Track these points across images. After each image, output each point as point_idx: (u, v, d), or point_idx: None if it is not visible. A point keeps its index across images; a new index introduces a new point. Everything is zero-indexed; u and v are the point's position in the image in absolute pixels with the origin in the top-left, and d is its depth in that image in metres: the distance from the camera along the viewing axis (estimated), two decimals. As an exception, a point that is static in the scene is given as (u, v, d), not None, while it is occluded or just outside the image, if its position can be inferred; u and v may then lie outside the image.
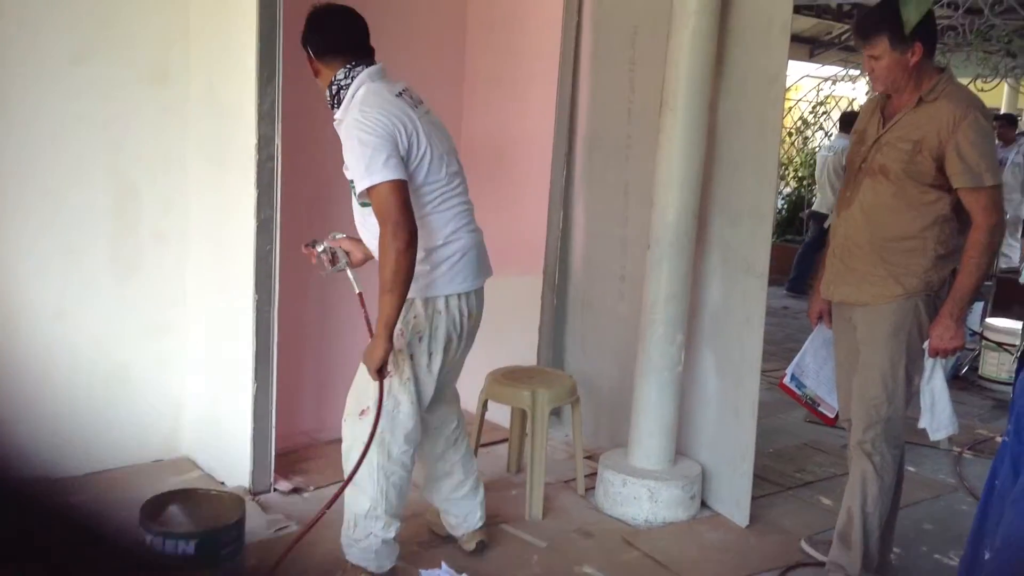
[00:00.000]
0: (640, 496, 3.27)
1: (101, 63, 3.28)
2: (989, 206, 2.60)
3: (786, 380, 3.14)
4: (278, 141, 3.18)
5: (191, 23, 3.44)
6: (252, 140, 3.14)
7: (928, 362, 2.72)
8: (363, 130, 2.49)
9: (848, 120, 9.70)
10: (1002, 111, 13.55)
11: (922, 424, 2.75)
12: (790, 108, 10.35)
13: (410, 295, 2.56)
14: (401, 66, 4.18)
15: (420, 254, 2.54)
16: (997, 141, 9.66)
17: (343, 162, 2.68)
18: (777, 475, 3.81)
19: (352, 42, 2.63)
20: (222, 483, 3.35)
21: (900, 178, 2.69)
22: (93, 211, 3.34)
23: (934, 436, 2.79)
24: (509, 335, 4.36)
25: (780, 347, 6.33)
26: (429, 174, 2.59)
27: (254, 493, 3.25)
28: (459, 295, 2.69)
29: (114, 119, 3.34)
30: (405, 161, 2.52)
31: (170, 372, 3.59)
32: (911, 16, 1.12)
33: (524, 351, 4.27)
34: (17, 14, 3.09)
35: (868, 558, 2.78)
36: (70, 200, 3.29)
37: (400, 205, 2.46)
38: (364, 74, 2.63)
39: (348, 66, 2.61)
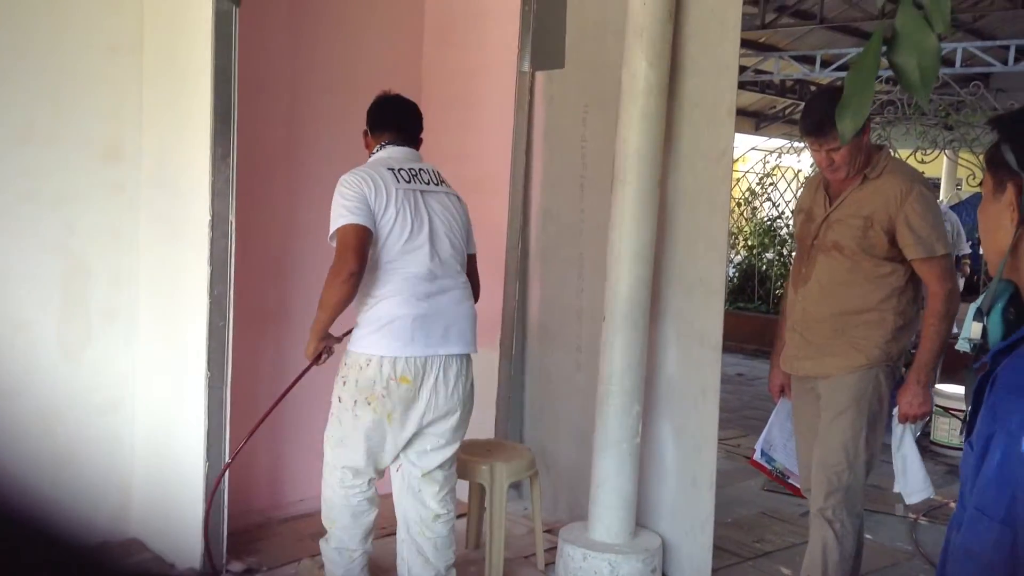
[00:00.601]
0: (601, 570, 3.23)
1: (52, 141, 3.27)
2: (943, 274, 2.72)
3: (756, 456, 3.16)
4: (232, 218, 3.18)
5: (144, 100, 3.45)
6: (206, 217, 3.14)
7: (897, 428, 2.78)
8: (340, 187, 2.84)
9: None
10: (942, 182, 14.07)
11: (897, 488, 2.81)
12: (738, 180, 10.62)
13: (349, 346, 2.87)
14: (355, 141, 4.25)
15: (358, 307, 2.86)
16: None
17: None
18: (736, 545, 3.81)
19: (392, 125, 3.03)
20: (172, 565, 3.26)
21: (855, 253, 2.78)
22: (42, 288, 3.29)
23: (909, 500, 2.85)
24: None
25: (736, 415, 6.38)
26: (388, 238, 2.82)
27: (205, 575, 3.17)
28: (384, 358, 2.81)
29: (65, 197, 3.31)
30: (373, 217, 2.79)
31: (118, 451, 3.51)
32: (847, 129, 1.17)
33: (482, 423, 4.24)
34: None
35: None
36: (18, 276, 3.24)
37: (354, 245, 2.73)
38: (385, 150, 2.98)
39: (383, 144, 3.01)
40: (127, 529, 3.53)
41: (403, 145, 3.01)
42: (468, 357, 3.02)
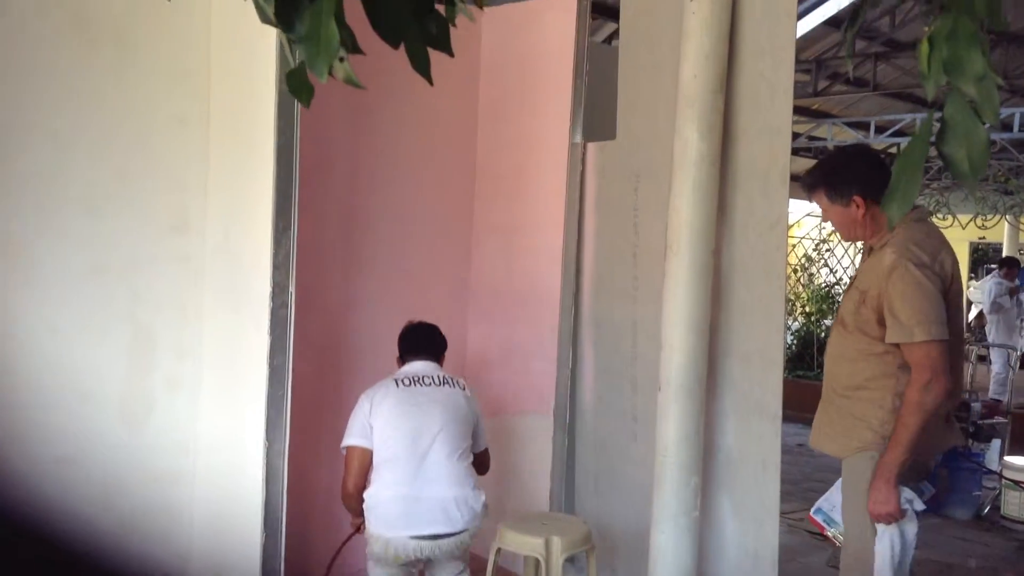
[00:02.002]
0: (659, 648, 3.15)
1: (120, 212, 3.38)
2: (922, 362, 2.47)
3: (813, 511, 3.02)
4: (292, 289, 3.24)
5: (210, 175, 3.57)
6: (266, 288, 3.21)
7: (879, 527, 2.56)
8: (356, 406, 3.37)
9: (1007, 263, 9.95)
10: (1004, 247, 13.77)
11: None
12: (794, 246, 10.54)
13: None
14: (412, 214, 4.35)
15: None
16: (1002, 280, 9.79)
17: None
18: (801, 624, 3.68)
19: (412, 350, 3.50)
20: (227, 638, 3.25)
21: (852, 329, 2.66)
22: (108, 357, 3.38)
23: None
24: (520, 477, 4.31)
25: (798, 487, 6.22)
26: (377, 442, 3.28)
27: (260, 649, 3.15)
28: (380, 537, 3.23)
29: (132, 268, 3.42)
30: (371, 429, 3.29)
31: (177, 522, 3.54)
32: (894, 215, 1.18)
33: (535, 494, 4.20)
34: (35, 164, 3.20)
35: None
36: (85, 346, 3.33)
37: (349, 468, 3.29)
38: (406, 365, 3.46)
39: (407, 361, 3.48)
40: (184, 599, 3.54)
41: (423, 360, 3.47)
42: (461, 533, 3.31)
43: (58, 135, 3.24)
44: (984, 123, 1.10)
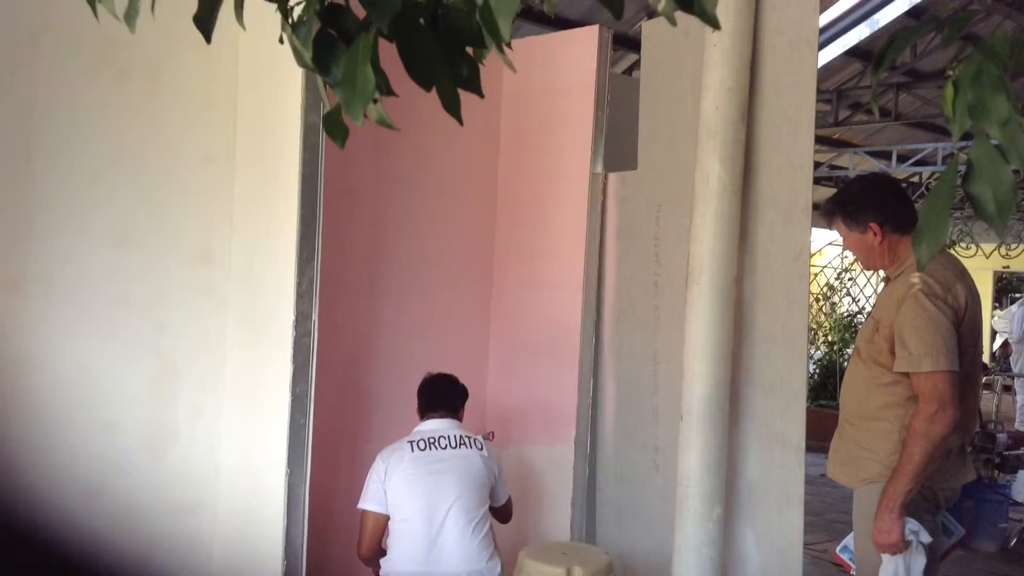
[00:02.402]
0: None
1: (145, 245, 3.41)
2: (929, 392, 2.44)
3: (839, 549, 2.99)
4: (315, 317, 3.26)
5: (235, 207, 3.62)
6: (290, 317, 3.23)
7: (884, 558, 2.52)
8: (372, 468, 3.42)
9: None
10: (1030, 275, 13.63)
11: None
12: (816, 274, 10.50)
13: None
14: (433, 242, 4.38)
15: None
16: None
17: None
18: (826, 659, 3.63)
19: (432, 405, 3.55)
20: (248, 668, 3.25)
21: (866, 358, 2.66)
22: (131, 387, 3.40)
23: None
24: (540, 507, 4.30)
25: (821, 518, 6.15)
26: (391, 508, 3.35)
27: None
28: None
29: (157, 299, 3.45)
30: (385, 494, 3.35)
31: (199, 551, 3.54)
32: (924, 256, 1.18)
33: (556, 524, 4.18)
34: (64, 198, 3.24)
35: None
36: (109, 376, 3.36)
37: (364, 531, 3.36)
38: (425, 422, 3.52)
39: (427, 417, 3.53)
40: (204, 628, 3.55)
41: (443, 417, 3.52)
42: None
43: (86, 169, 3.30)
44: (1010, 165, 1.10)
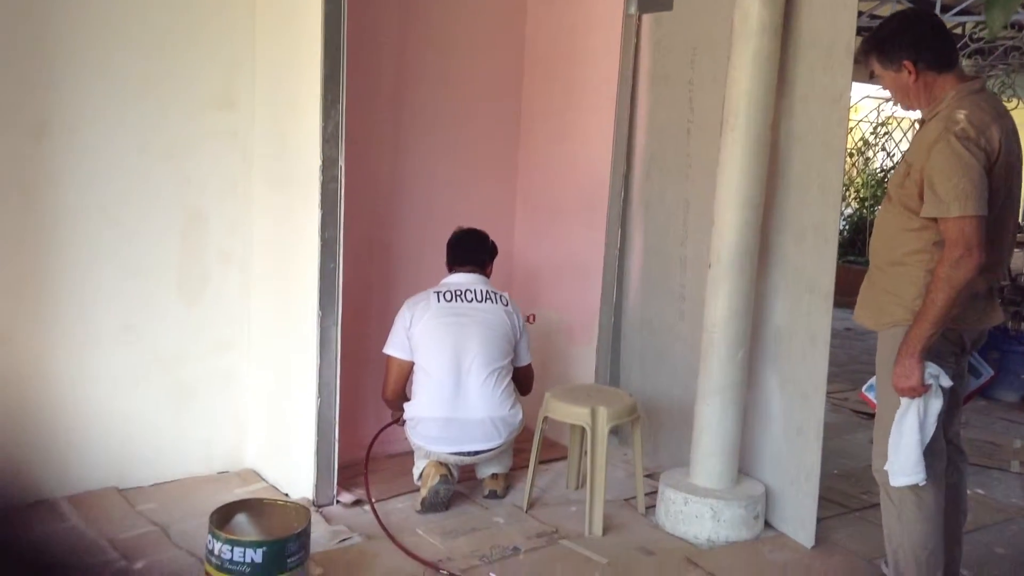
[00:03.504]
0: (703, 515, 3.23)
1: (166, 92, 3.38)
2: (955, 237, 2.39)
3: (864, 389, 2.98)
4: (342, 163, 3.24)
5: (256, 49, 3.54)
6: (316, 162, 3.21)
7: (903, 400, 2.53)
8: (398, 315, 3.53)
9: None
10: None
11: (886, 466, 2.54)
12: (851, 129, 10.24)
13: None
14: (460, 92, 4.28)
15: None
16: None
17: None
18: (843, 496, 3.74)
19: (459, 259, 3.64)
20: (286, 495, 3.41)
21: (896, 202, 2.60)
22: (161, 235, 3.44)
23: (894, 481, 2.52)
24: (567, 354, 4.38)
25: (844, 369, 6.24)
26: (416, 355, 3.47)
27: (317, 505, 3.30)
28: (422, 447, 3.43)
29: (181, 147, 3.44)
30: (409, 341, 3.47)
31: (234, 388, 3.68)
32: (996, 24, 1.10)
33: (583, 371, 4.27)
34: (80, 46, 3.19)
35: None
36: (139, 224, 3.39)
37: (388, 374, 3.53)
38: (452, 275, 3.59)
39: (454, 270, 3.62)
40: (243, 460, 3.71)
41: (470, 272, 3.58)
42: (500, 445, 3.48)
43: (102, 15, 3.22)
44: None
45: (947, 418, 2.68)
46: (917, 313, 2.49)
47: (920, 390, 2.48)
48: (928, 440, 2.50)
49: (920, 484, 2.50)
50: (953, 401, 2.69)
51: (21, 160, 3.13)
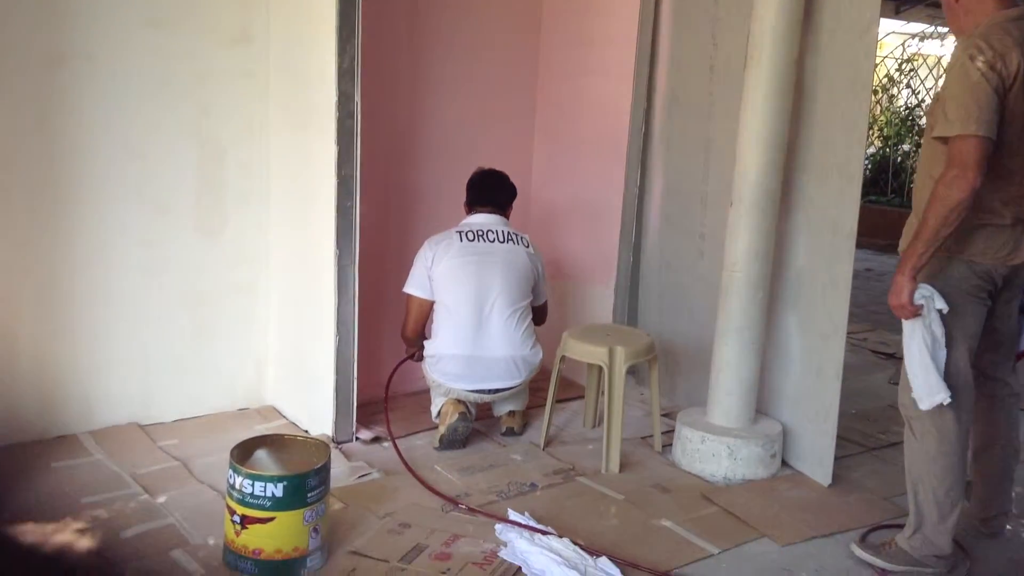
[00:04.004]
0: (719, 453, 3.25)
1: (182, 26, 3.34)
2: (953, 155, 2.39)
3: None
4: (358, 98, 3.19)
5: (272, -18, 3.48)
6: (332, 98, 3.17)
7: (905, 324, 2.53)
8: (418, 254, 3.52)
9: None
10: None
11: (912, 394, 2.54)
12: (876, 65, 10.02)
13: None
14: (478, 28, 4.20)
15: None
16: None
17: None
18: (860, 436, 3.75)
19: (480, 200, 3.60)
20: (306, 432, 3.45)
21: (928, 132, 2.59)
22: (179, 171, 3.43)
23: (922, 405, 2.52)
24: (585, 294, 4.36)
25: (864, 310, 6.21)
26: (438, 294, 3.46)
27: (337, 442, 3.34)
28: (442, 384, 3.44)
29: (196, 82, 3.40)
30: (430, 280, 3.46)
31: (254, 326, 3.70)
32: None
33: (601, 310, 4.26)
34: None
35: (920, 518, 2.63)
36: (159, 161, 3.37)
37: (409, 313, 3.54)
38: (472, 216, 3.57)
39: (474, 210, 3.59)
40: (264, 398, 3.75)
41: (491, 213, 3.56)
42: (519, 383, 3.50)
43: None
44: None
45: (990, 357, 2.72)
46: (914, 233, 2.48)
47: (909, 309, 2.48)
48: (942, 364, 2.51)
49: (945, 403, 2.49)
50: (996, 340, 2.71)
51: (38, 91, 3.10)
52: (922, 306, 2.49)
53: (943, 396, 2.48)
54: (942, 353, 2.51)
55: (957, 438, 2.58)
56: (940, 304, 2.49)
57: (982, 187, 2.39)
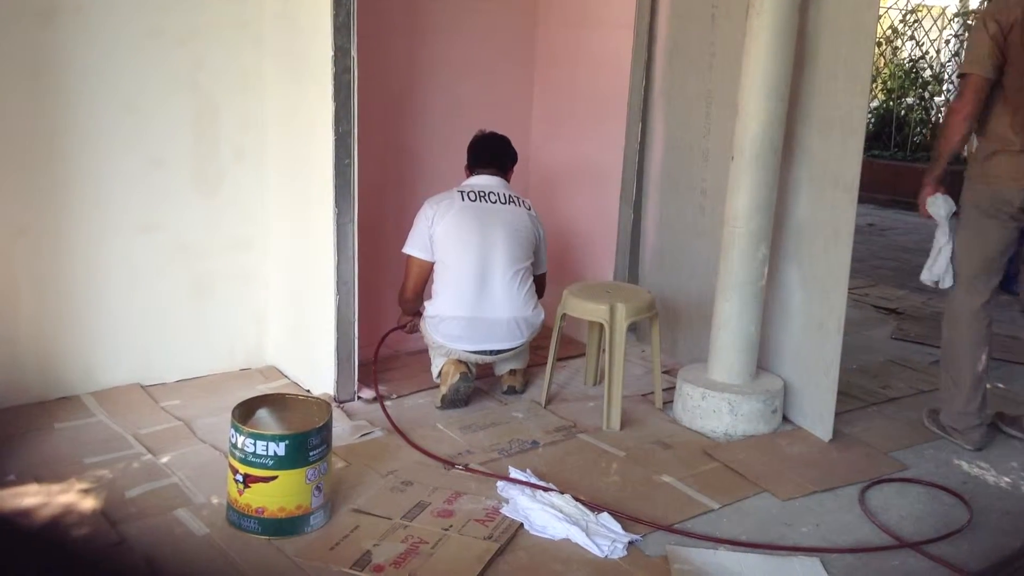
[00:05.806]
0: (720, 409, 3.25)
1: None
2: (959, 88, 3.11)
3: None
4: (354, 53, 3.14)
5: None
6: (328, 53, 3.11)
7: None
8: (418, 214, 3.47)
9: None
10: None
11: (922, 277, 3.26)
12: (880, 16, 9.86)
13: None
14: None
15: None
16: None
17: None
18: (861, 391, 3.75)
19: (481, 162, 3.57)
20: (308, 391, 3.45)
21: None
22: (176, 127, 3.38)
23: (921, 277, 3.27)
24: (585, 251, 4.34)
25: (866, 264, 6.19)
26: (439, 254, 3.41)
27: (339, 401, 3.34)
28: (443, 345, 3.41)
29: (191, 34, 3.34)
30: (431, 240, 3.41)
31: (254, 285, 3.68)
32: None
33: (602, 268, 4.24)
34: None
35: (944, 392, 3.27)
36: (153, 115, 3.33)
37: (408, 274, 3.49)
38: (474, 177, 3.54)
39: (475, 172, 3.56)
40: (265, 357, 3.75)
41: (490, 174, 3.52)
42: (520, 344, 3.49)
43: None
44: None
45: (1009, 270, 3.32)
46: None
47: (923, 210, 3.21)
48: (948, 255, 3.17)
49: (944, 286, 3.21)
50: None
51: (29, 44, 3.05)
52: (932, 212, 3.17)
53: (943, 282, 3.19)
54: (949, 247, 3.17)
55: (970, 312, 3.17)
56: (945, 210, 3.15)
57: (994, 117, 3.02)
